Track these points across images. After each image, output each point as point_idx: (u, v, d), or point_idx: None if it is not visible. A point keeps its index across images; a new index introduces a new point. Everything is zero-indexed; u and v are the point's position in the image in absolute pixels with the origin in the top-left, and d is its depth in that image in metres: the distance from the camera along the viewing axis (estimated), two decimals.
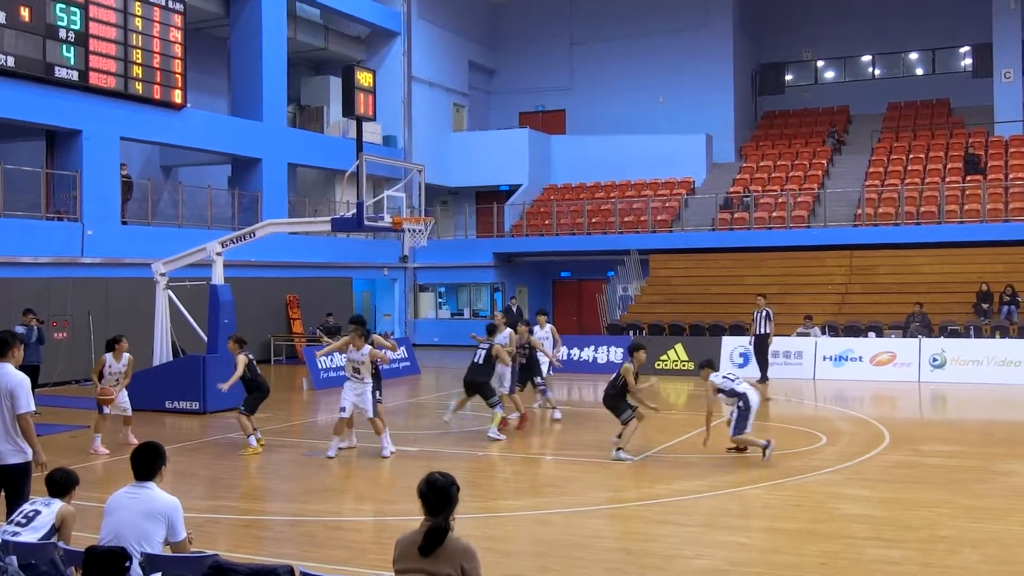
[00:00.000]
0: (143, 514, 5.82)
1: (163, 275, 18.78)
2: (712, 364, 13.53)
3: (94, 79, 22.92)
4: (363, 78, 17.43)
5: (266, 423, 16.13)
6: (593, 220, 33.24)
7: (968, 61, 37.93)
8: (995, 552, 8.36)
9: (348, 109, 17.40)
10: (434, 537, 4.78)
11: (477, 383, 14.72)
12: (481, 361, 14.90)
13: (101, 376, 14.25)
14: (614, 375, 13.19)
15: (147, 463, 6.00)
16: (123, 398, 14.34)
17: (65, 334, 21.97)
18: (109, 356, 14.17)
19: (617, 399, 12.96)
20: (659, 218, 32.49)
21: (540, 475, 12.12)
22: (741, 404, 12.68)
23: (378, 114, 23.05)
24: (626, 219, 32.80)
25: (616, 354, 24.42)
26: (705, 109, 36.98)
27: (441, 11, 36.45)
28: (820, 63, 40.44)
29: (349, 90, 17.21)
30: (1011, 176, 29.99)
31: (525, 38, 39.88)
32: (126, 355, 14.29)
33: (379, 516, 10.13)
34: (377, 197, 19.02)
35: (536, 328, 18.38)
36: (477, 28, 39.23)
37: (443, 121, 36.95)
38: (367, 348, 13.54)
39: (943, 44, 37.98)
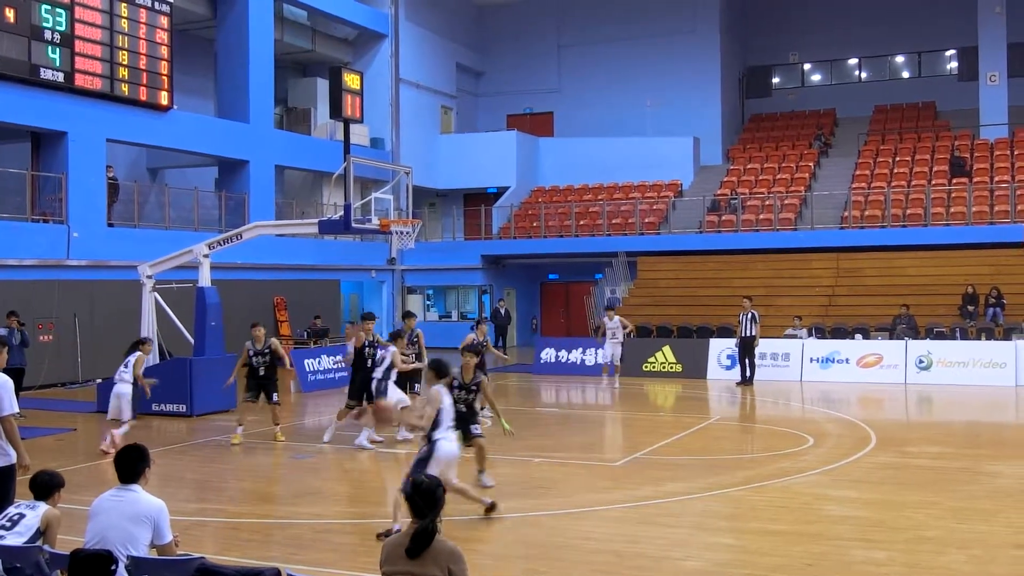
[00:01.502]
0: (128, 517, 5.79)
1: (149, 277, 18.71)
2: (443, 371, 9.93)
3: (80, 80, 22.82)
4: (350, 80, 17.40)
5: (255, 425, 16.09)
6: (581, 222, 33.27)
7: (954, 64, 38.12)
8: (981, 553, 8.39)
9: (335, 111, 17.36)
10: (421, 539, 4.77)
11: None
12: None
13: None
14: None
15: (131, 466, 5.97)
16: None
17: (50, 337, 21.86)
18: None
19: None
20: (647, 220, 32.55)
21: (527, 477, 12.11)
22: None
23: (365, 116, 23.00)
24: (614, 221, 32.85)
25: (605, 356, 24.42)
26: (692, 112, 37.07)
27: (429, 13, 36.45)
28: (807, 66, 40.59)
29: (336, 92, 17.17)
30: (996, 179, 30.16)
31: (513, 41, 39.92)
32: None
33: (367, 519, 10.10)
34: (365, 199, 19.01)
35: (606, 320, 21.83)
36: (465, 30, 39.25)
37: (431, 123, 36.94)
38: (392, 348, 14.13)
39: (929, 47, 38.17)
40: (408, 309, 18.87)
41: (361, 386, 14.12)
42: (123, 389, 13.83)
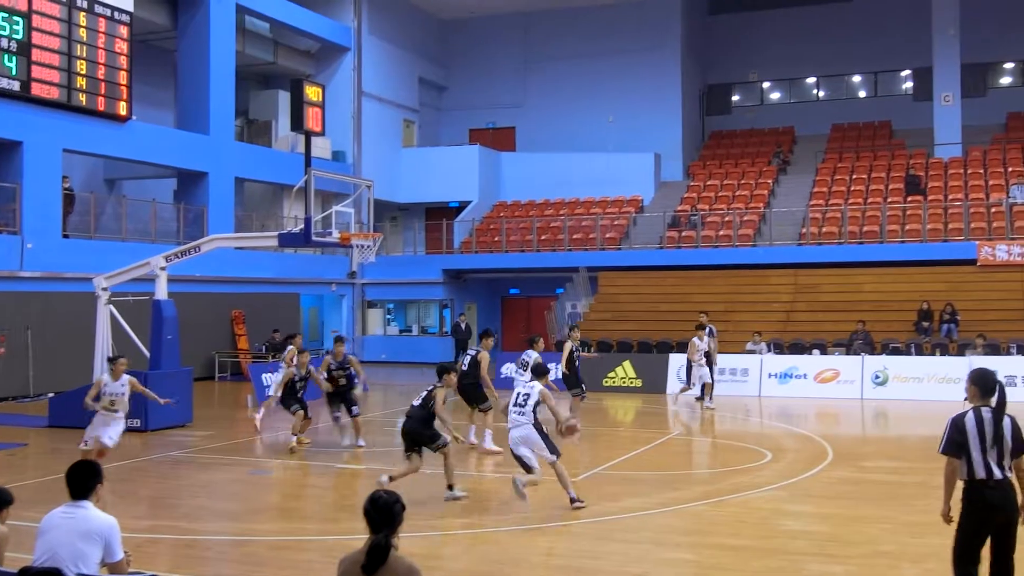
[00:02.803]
0: (79, 534, 5.68)
1: (105, 290, 18.45)
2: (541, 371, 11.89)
3: (36, 90, 22.52)
4: (312, 92, 17.32)
5: (210, 441, 15.94)
6: (542, 237, 33.34)
7: (909, 84, 38.80)
8: (935, 567, 8.46)
9: (297, 123, 17.27)
10: (376, 555, 4.72)
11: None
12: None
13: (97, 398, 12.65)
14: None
15: (82, 481, 5.86)
16: (113, 429, 12.49)
17: (2, 349, 21.45)
18: (107, 376, 12.77)
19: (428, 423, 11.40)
20: (608, 236, 32.68)
21: (487, 493, 12.07)
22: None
23: (327, 129, 22.93)
24: (575, 236, 32.95)
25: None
26: (653, 128, 37.34)
27: (392, 27, 36.43)
28: (766, 84, 41.09)
29: (298, 104, 17.08)
30: (950, 197, 30.65)
31: (476, 55, 40.00)
32: (125, 376, 12.83)
33: (323, 535, 10.01)
34: (325, 212, 18.90)
35: (697, 340, 20.70)
36: (428, 45, 39.27)
37: (393, 137, 36.88)
38: None
39: (885, 67, 38.81)
40: (339, 334, 17.77)
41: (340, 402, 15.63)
42: (278, 378, 16.53)
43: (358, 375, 15.85)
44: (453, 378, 11.82)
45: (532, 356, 15.53)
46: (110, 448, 12.37)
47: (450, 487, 11.32)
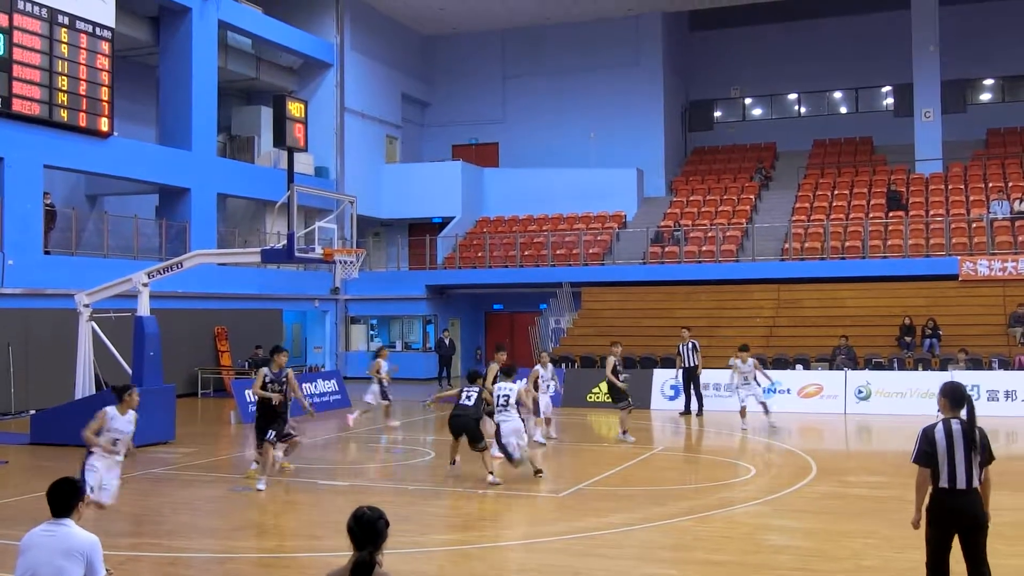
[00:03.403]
0: (60, 552, 5.63)
1: (87, 306, 18.34)
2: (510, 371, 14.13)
3: (17, 105, 22.43)
4: (295, 108, 17.31)
5: (192, 458, 15.84)
6: (526, 253, 33.37)
7: (890, 100, 39.12)
8: None
9: (279, 139, 17.24)
10: (360, 572, 4.69)
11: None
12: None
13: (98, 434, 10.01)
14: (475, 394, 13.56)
15: (63, 499, 5.80)
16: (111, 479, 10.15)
17: None
18: (113, 409, 10.17)
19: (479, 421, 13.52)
20: (591, 251, 32.74)
21: (471, 509, 12.03)
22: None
23: (310, 145, 22.94)
24: (558, 252, 32.99)
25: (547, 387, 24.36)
26: (636, 144, 37.50)
27: (374, 43, 36.49)
28: (748, 100, 41.33)
29: (280, 120, 17.06)
30: (931, 212, 30.87)
31: (458, 71, 40.11)
32: (132, 412, 10.32)
33: (307, 552, 9.94)
34: (308, 228, 18.86)
35: (738, 363, 19.72)
36: (410, 61, 39.35)
37: (376, 153, 36.89)
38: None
39: (866, 84, 39.13)
40: (278, 344, 15.57)
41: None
42: (372, 387, 19.36)
43: (298, 399, 14.11)
44: (482, 382, 13.91)
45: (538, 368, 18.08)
46: (108, 504, 10.03)
47: (491, 472, 13.09)
